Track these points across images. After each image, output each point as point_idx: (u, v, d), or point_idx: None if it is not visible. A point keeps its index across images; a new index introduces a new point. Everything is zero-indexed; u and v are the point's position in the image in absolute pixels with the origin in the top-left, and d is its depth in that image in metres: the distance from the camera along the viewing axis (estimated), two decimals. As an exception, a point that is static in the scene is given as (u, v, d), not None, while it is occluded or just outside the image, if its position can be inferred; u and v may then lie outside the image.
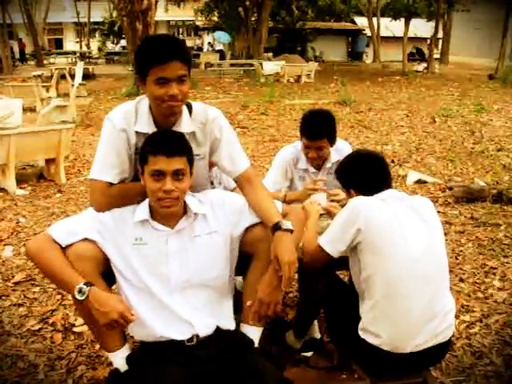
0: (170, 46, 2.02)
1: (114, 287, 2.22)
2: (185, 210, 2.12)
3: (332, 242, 2.25)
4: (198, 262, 2.11)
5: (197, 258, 2.11)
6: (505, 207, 5.19)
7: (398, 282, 2.10)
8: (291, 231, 2.09)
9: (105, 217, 2.10)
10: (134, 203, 2.14)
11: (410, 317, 2.09)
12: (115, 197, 2.13)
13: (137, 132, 2.14)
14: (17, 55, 34.88)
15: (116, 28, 36.57)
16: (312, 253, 2.30)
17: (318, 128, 2.99)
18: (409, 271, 2.10)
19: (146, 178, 2.00)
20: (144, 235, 2.08)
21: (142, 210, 2.10)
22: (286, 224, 2.09)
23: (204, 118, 2.24)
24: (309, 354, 2.64)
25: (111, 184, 2.13)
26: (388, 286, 2.11)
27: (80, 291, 1.93)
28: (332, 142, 3.05)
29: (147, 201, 2.11)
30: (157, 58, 1.97)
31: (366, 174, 2.35)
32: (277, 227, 2.08)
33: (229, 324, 2.17)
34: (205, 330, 2.07)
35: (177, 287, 2.09)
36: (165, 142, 2.00)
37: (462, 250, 4.21)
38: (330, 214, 2.72)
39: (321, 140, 2.98)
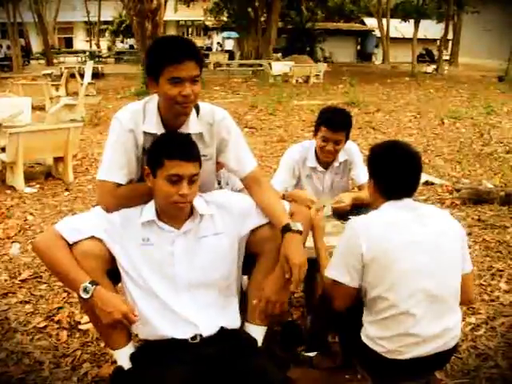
0: (185, 46, 2.04)
1: (119, 285, 2.23)
2: (191, 211, 2.13)
3: (344, 275, 2.10)
4: (204, 262, 2.12)
5: (203, 258, 2.12)
6: (512, 209, 5.16)
7: (404, 302, 2.03)
8: (301, 232, 2.10)
9: (112, 216, 2.11)
10: (142, 204, 2.15)
11: (416, 333, 2.04)
12: (123, 197, 2.14)
13: (145, 132, 2.15)
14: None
15: (123, 27, 36.77)
16: (335, 293, 2.19)
17: (340, 120, 3.05)
18: (415, 289, 2.03)
19: (160, 181, 1.99)
20: (151, 236, 2.10)
21: (149, 210, 2.11)
22: (296, 225, 2.10)
23: (211, 119, 2.24)
24: (312, 354, 2.64)
25: (119, 185, 2.14)
26: (394, 305, 2.04)
27: (85, 290, 1.95)
28: (347, 138, 3.11)
29: (153, 201, 2.12)
30: (172, 57, 1.98)
31: (397, 175, 2.14)
32: (287, 229, 2.09)
33: (234, 324, 2.17)
34: (209, 330, 2.07)
35: (183, 287, 2.10)
36: (182, 147, 2.01)
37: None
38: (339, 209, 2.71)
39: (341, 132, 3.03)
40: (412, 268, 2.03)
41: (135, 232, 2.10)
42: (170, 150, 1.99)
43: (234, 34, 33.59)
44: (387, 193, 2.16)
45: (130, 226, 2.11)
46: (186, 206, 2.04)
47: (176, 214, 2.07)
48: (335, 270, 2.14)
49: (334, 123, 3.02)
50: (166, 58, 1.99)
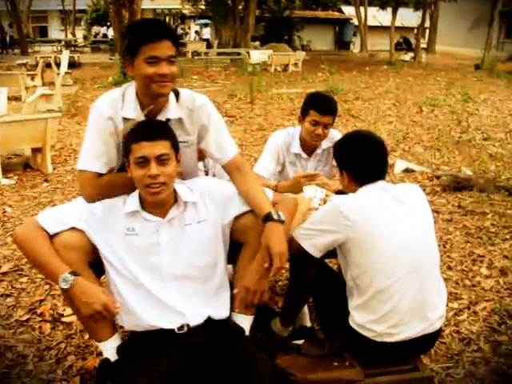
0: (161, 26, 2.06)
1: (103, 278, 2.21)
2: (175, 198, 2.11)
3: (314, 246, 2.23)
4: (189, 250, 2.10)
5: (188, 246, 2.10)
6: (491, 196, 5.23)
7: (387, 278, 2.08)
8: (282, 222, 2.09)
9: (95, 207, 2.09)
10: (124, 194, 2.12)
11: (401, 310, 2.09)
12: (105, 187, 2.11)
13: (124, 118, 2.12)
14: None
15: (93, 16, 36.44)
16: (296, 251, 2.28)
17: (329, 103, 3.06)
18: (397, 265, 2.09)
19: (132, 168, 1.99)
20: (135, 226, 2.08)
21: (133, 200, 2.09)
22: (278, 214, 2.09)
23: (191, 104, 2.22)
24: (300, 341, 2.64)
25: (100, 174, 2.11)
26: (377, 283, 2.09)
27: (64, 280, 1.93)
28: (333, 122, 3.10)
29: (137, 191, 2.09)
30: (149, 35, 1.97)
31: (366, 161, 2.26)
32: (268, 218, 2.07)
33: (222, 313, 2.15)
34: (196, 319, 2.06)
35: (169, 277, 2.08)
36: (146, 129, 2.00)
37: (449, 238, 4.24)
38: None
39: (331, 116, 3.04)
40: (394, 243, 2.10)
41: (119, 222, 2.08)
42: (135, 134, 1.99)
43: (211, 23, 33.39)
44: (362, 179, 2.26)
45: (113, 216, 2.08)
46: (161, 190, 1.99)
47: (153, 198, 2.01)
48: (311, 246, 2.23)
49: (324, 107, 3.02)
50: (142, 37, 1.98)
